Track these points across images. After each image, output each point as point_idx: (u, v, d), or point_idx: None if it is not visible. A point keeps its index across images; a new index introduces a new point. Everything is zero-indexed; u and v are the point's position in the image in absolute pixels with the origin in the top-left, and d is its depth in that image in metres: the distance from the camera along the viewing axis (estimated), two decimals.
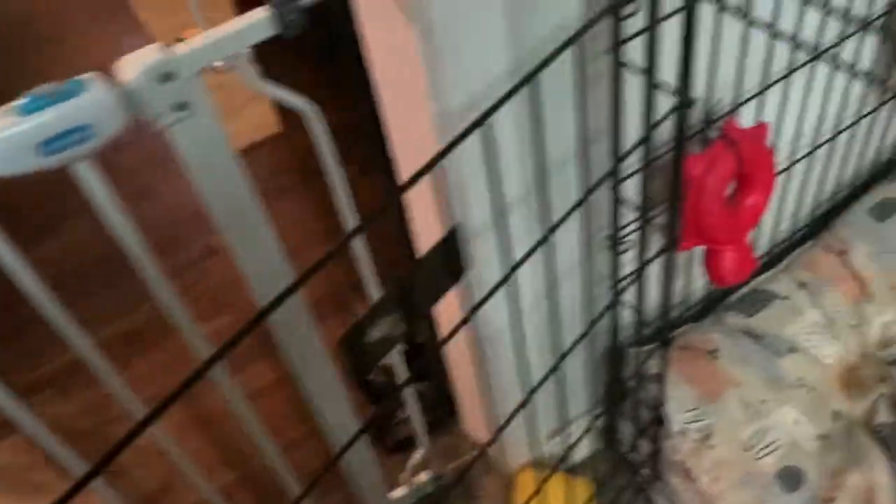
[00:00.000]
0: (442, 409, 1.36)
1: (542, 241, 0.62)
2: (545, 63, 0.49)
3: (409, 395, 1.09)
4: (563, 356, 0.89)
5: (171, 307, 0.73)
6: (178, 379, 0.40)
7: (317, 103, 0.71)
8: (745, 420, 1.01)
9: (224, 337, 0.41)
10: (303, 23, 0.64)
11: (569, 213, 0.63)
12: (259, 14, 0.64)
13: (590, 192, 0.61)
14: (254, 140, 2.02)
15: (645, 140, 0.70)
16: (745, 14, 0.69)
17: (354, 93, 1.09)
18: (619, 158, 0.70)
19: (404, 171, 0.93)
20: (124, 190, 0.64)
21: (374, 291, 0.88)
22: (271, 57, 0.80)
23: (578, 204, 0.62)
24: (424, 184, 0.93)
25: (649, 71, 0.68)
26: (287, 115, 1.93)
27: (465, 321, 0.62)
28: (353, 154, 1.09)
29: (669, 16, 0.64)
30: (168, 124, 0.64)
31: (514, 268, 0.66)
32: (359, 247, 0.84)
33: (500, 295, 0.64)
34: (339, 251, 0.53)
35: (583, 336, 0.92)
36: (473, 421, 1.29)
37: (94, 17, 2.58)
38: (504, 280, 0.68)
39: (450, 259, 0.54)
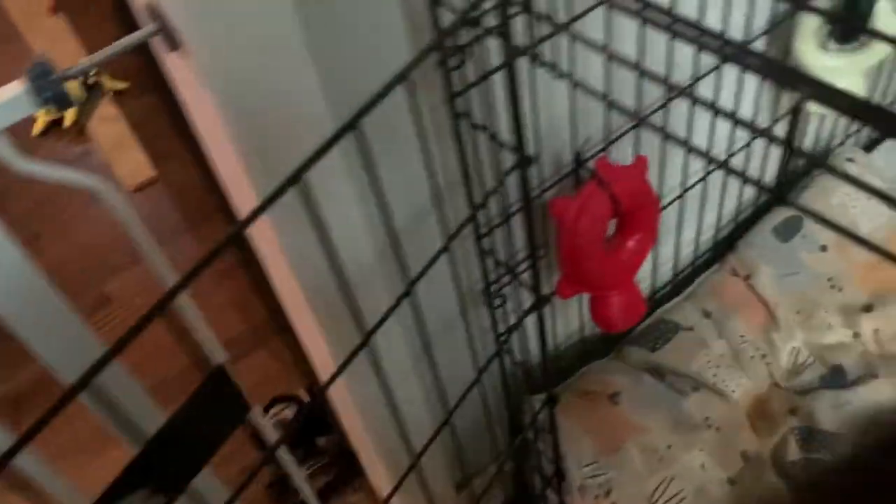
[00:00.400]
0: (346, 463, 1.27)
1: (366, 341, 0.53)
2: (311, 161, 0.41)
3: (290, 462, 1.00)
4: (448, 417, 0.81)
5: None
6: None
7: None
8: (647, 471, 0.94)
9: None
10: (67, 98, 0.55)
11: (397, 304, 0.55)
12: (13, 90, 0.54)
13: (413, 282, 0.53)
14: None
15: (481, 206, 0.62)
16: (561, 73, 0.60)
17: None
18: (458, 228, 0.62)
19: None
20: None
21: (219, 355, 0.79)
22: None
23: (405, 294, 0.54)
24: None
25: (484, 126, 0.60)
26: (184, 143, 1.83)
27: (314, 399, 0.54)
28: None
29: (493, 72, 0.56)
30: None
31: (349, 358, 0.57)
32: (191, 317, 0.76)
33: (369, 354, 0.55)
34: (136, 333, 0.44)
35: (467, 391, 0.84)
36: (377, 477, 1.21)
37: None
38: (348, 360, 0.59)
39: (222, 402, 0.45)
